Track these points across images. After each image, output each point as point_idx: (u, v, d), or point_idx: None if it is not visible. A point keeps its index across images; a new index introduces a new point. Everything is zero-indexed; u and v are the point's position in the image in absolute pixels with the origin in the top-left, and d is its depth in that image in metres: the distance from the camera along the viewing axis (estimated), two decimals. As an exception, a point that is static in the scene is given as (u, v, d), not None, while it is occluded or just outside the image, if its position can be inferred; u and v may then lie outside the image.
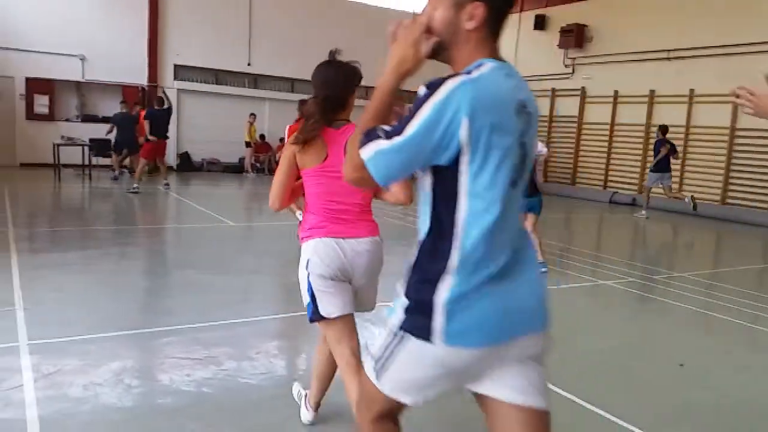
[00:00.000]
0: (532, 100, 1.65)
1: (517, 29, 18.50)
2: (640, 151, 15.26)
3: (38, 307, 4.67)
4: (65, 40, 15.15)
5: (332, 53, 2.77)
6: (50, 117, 15.55)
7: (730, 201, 13.74)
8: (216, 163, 16.98)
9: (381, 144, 1.53)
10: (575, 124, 16.67)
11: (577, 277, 6.97)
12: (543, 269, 7.02)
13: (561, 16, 16.97)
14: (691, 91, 14.13)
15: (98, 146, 14.36)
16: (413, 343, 1.60)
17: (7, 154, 15.26)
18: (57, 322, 4.42)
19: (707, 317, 5.72)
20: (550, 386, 3.67)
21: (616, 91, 15.76)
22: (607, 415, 3.40)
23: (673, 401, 3.71)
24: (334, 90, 2.67)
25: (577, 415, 3.46)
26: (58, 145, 13.34)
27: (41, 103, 15.58)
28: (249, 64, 17.68)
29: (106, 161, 14.96)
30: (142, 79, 16.14)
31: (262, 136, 17.48)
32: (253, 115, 16.98)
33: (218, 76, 17.44)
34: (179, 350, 4.03)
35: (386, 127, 1.56)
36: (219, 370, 3.74)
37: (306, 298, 2.67)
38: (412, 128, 1.49)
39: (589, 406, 3.51)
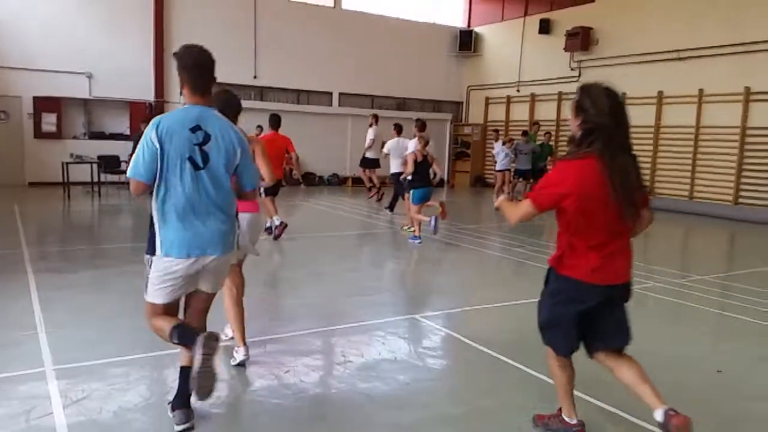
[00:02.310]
0: (213, 125, 3.05)
1: (521, 34, 18.48)
2: (650, 153, 15.16)
3: (60, 329, 4.60)
4: (72, 58, 15.18)
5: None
6: (58, 135, 15.54)
7: (742, 201, 13.61)
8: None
9: (132, 164, 2.96)
10: (583, 128, 16.59)
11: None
12: (418, 242, 8.89)
13: (566, 19, 16.92)
14: (701, 90, 14.05)
15: (106, 163, 14.35)
16: (153, 261, 3.00)
17: (15, 174, 15.26)
18: (80, 345, 4.35)
19: (738, 321, 5.61)
20: (583, 395, 3.59)
21: (623, 93, 15.62)
22: (654, 429, 3.30)
23: (719, 411, 3.61)
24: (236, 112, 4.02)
25: (620, 427, 3.36)
26: (68, 164, 13.31)
27: (49, 122, 15.57)
28: (255, 77, 17.69)
29: (114, 178, 14.94)
30: (149, 95, 16.14)
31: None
32: (259, 127, 16.87)
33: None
34: (207, 371, 3.95)
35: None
36: (250, 391, 3.66)
37: None
38: (139, 149, 2.92)
39: (630, 417, 3.41)
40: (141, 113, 15.72)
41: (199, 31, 16.63)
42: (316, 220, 11.87)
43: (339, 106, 19.15)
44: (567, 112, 2.90)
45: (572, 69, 16.93)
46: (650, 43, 14.94)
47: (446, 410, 3.59)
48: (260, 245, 8.81)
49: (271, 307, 5.63)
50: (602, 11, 16.20)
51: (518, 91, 18.65)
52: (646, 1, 15.22)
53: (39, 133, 15.44)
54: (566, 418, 3.14)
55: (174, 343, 2.98)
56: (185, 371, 3.11)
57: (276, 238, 8.72)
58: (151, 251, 3.00)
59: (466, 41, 20.24)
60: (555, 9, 17.57)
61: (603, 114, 2.70)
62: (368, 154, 14.10)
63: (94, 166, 13.75)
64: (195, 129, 2.99)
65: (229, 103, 3.83)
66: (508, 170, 14.74)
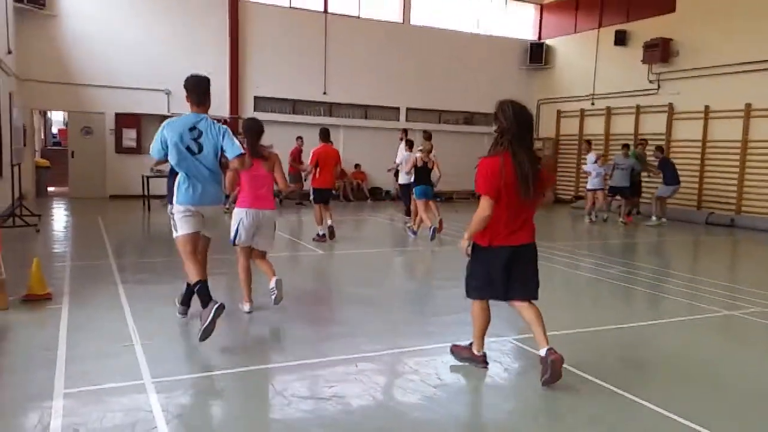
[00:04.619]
0: (203, 125, 4.72)
1: (596, 46, 17.98)
2: (737, 169, 14.36)
3: (153, 341, 4.63)
4: (152, 76, 15.78)
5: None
6: (138, 150, 16.12)
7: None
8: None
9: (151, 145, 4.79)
10: (663, 142, 15.85)
11: (698, 307, 6.44)
12: (413, 236, 10.49)
13: (643, 30, 16.32)
14: (794, 102, 13.23)
15: (183, 177, 14.75)
16: (174, 206, 4.77)
17: (98, 187, 15.94)
18: (174, 358, 4.37)
19: None
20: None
21: (707, 106, 14.95)
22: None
23: None
24: (258, 134, 5.62)
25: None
26: (148, 177, 13.75)
27: (129, 137, 16.22)
28: (324, 93, 17.89)
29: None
30: (223, 111, 16.57)
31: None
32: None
33: (295, 105, 17.73)
34: (303, 388, 3.87)
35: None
36: (348, 412, 3.54)
37: (233, 232, 5.54)
38: (156, 137, 4.72)
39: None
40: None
41: (271, 50, 17.08)
42: (385, 235, 11.79)
43: (406, 121, 19.11)
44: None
45: (650, 81, 16.30)
46: (736, 54, 14.20)
47: (555, 441, 3.36)
48: (334, 261, 8.88)
49: (356, 324, 5.51)
50: (683, 22, 15.53)
51: (593, 104, 18.11)
52: (730, 10, 14.48)
53: (120, 148, 16.10)
54: (475, 352, 4.22)
55: (193, 290, 4.62)
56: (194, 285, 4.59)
57: (315, 241, 9.81)
58: (171, 201, 4.82)
59: (537, 54, 19.88)
60: (632, 20, 17.00)
61: (509, 121, 3.81)
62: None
63: (172, 179, 14.14)
64: (192, 129, 4.68)
65: (252, 127, 5.60)
66: (601, 189, 13.82)
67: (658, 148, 14.19)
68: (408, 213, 12.33)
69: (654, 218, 13.63)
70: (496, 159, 3.81)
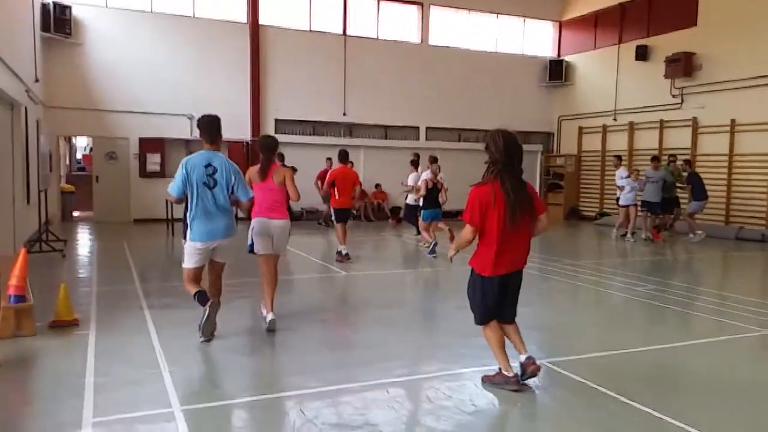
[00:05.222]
0: (218, 162, 5.22)
1: (616, 62, 17.86)
2: (766, 182, 14.05)
3: (181, 368, 4.57)
4: (175, 101, 15.98)
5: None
6: (161, 174, 16.26)
7: None
8: (315, 211, 17.13)
9: (171, 185, 5.24)
10: (688, 156, 15.58)
11: (736, 326, 6.23)
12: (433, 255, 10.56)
13: (665, 45, 16.17)
14: (824, 114, 12.95)
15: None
16: (187, 242, 5.27)
17: (122, 211, 16.09)
18: (203, 384, 4.31)
19: None
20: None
21: (733, 120, 14.71)
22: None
23: None
24: (271, 150, 5.96)
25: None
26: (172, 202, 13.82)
27: (153, 161, 16.37)
28: (344, 114, 17.97)
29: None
30: (245, 134, 16.71)
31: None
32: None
33: (315, 127, 17.82)
34: (333, 416, 3.77)
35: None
36: (382, 441, 3.43)
37: (248, 240, 5.89)
38: (176, 177, 5.16)
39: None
40: (239, 152, 16.25)
41: (291, 73, 17.22)
42: (406, 255, 11.69)
43: (426, 140, 19.10)
44: None
45: (673, 96, 16.11)
46: (761, 66, 13.98)
47: (598, 470, 3.22)
48: (358, 282, 8.81)
49: (384, 347, 5.41)
50: (705, 35, 15.37)
51: (615, 119, 17.94)
52: (753, 22, 14.30)
53: (144, 173, 16.24)
54: (505, 373, 4.21)
55: (194, 299, 5.21)
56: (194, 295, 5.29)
57: (338, 261, 10.00)
58: (184, 236, 5.27)
59: (557, 71, 19.79)
60: (652, 35, 16.87)
61: (499, 151, 4.03)
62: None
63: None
64: (207, 165, 5.17)
65: (267, 144, 5.92)
66: (634, 205, 13.35)
67: (686, 161, 13.95)
68: (419, 231, 12.42)
69: (699, 232, 13.23)
70: (487, 187, 4.05)
